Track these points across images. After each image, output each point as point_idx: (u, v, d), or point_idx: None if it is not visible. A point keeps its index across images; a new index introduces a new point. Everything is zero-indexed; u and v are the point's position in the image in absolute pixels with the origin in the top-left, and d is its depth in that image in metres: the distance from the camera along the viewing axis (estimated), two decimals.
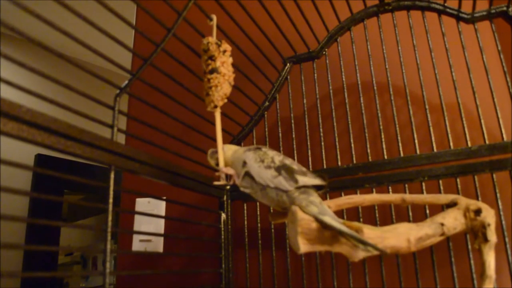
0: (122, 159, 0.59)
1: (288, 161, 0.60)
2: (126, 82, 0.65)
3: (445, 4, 0.85)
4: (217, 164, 0.65)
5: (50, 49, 0.49)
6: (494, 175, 0.74)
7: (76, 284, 3.35)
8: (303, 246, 0.55)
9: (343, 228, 0.53)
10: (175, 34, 0.69)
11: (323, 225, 0.55)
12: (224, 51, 0.65)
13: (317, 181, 0.58)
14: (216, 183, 0.63)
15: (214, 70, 0.63)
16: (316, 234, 0.55)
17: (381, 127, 0.85)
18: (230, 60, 0.66)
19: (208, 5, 0.73)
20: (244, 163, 0.61)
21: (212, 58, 0.64)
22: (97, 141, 0.54)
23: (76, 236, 3.64)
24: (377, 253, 0.55)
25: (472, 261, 0.72)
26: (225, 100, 0.66)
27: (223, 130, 0.86)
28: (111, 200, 0.57)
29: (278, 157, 0.60)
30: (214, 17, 0.68)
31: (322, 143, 0.89)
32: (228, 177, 0.64)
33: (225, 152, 0.66)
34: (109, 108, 0.62)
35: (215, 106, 0.65)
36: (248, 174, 0.61)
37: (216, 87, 0.63)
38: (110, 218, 0.56)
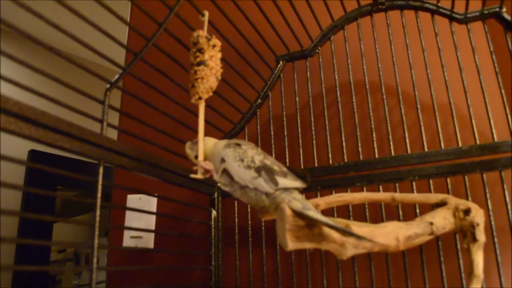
0: (111, 154, 0.59)
1: (269, 161, 0.58)
2: (117, 76, 0.65)
3: (438, 4, 0.85)
4: (196, 157, 0.64)
5: (39, 41, 0.49)
6: (485, 175, 0.74)
7: (68, 281, 3.33)
8: (291, 243, 0.54)
9: (329, 221, 0.52)
10: (167, 29, 0.68)
11: (308, 220, 0.54)
12: (214, 46, 0.65)
13: (298, 184, 0.57)
14: (192, 176, 0.62)
15: (201, 63, 0.63)
16: (305, 231, 0.55)
17: (373, 126, 0.85)
18: (219, 55, 0.65)
19: (200, 1, 0.72)
20: (223, 160, 0.60)
21: (200, 50, 0.63)
22: (86, 135, 0.54)
23: (69, 233, 3.62)
24: (365, 251, 0.55)
25: (461, 261, 0.72)
26: (210, 94, 0.65)
27: (215, 126, 0.86)
28: (99, 195, 0.56)
29: (258, 157, 0.59)
30: (206, 13, 0.68)
31: (314, 142, 0.89)
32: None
33: (205, 144, 0.65)
34: (99, 102, 0.62)
35: (200, 98, 0.64)
36: (226, 172, 0.59)
37: (202, 79, 0.63)
38: (98, 213, 0.56)
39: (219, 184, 0.61)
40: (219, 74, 0.65)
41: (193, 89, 0.64)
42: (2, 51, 0.45)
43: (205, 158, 0.64)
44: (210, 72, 0.63)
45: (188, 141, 0.67)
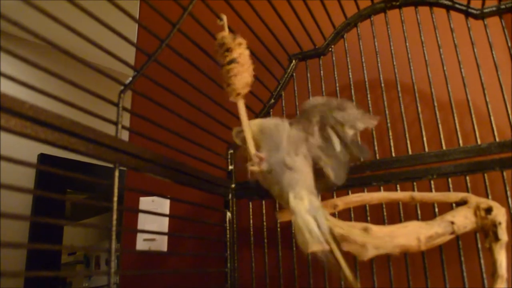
0: (126, 157, 0.58)
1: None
2: (130, 78, 0.64)
3: (454, 0, 0.84)
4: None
5: (53, 44, 0.48)
6: (504, 173, 0.73)
7: (79, 283, 3.35)
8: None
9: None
10: (180, 29, 0.68)
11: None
12: (240, 44, 0.64)
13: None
14: (252, 169, 0.62)
15: (232, 61, 0.63)
16: None
17: (389, 125, 0.83)
18: (247, 52, 0.65)
19: (214, 1, 0.71)
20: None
21: (228, 50, 0.63)
22: (101, 138, 0.53)
23: (79, 236, 3.64)
24: (386, 251, 0.54)
25: (482, 260, 0.71)
26: (248, 89, 0.65)
27: (227, 127, 0.85)
28: (115, 198, 0.56)
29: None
30: (224, 17, 0.68)
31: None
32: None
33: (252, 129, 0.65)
34: (113, 104, 0.61)
35: (238, 94, 0.64)
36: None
37: (236, 76, 0.63)
38: (115, 216, 0.55)
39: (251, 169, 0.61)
40: (251, 69, 0.65)
41: (229, 88, 0.64)
42: (17, 54, 0.44)
43: (255, 141, 0.64)
44: (243, 68, 0.63)
45: (235, 128, 0.68)
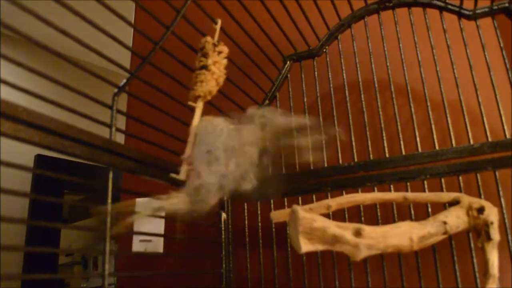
0: (121, 159, 0.59)
1: None
2: (125, 81, 0.65)
3: (447, 1, 0.84)
4: None
5: (47, 47, 0.49)
6: (497, 173, 0.73)
7: (77, 284, 3.34)
8: (305, 246, 0.54)
9: None
10: (174, 32, 0.68)
11: None
12: (220, 52, 0.65)
13: None
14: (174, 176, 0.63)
15: (203, 67, 0.63)
16: (318, 233, 0.54)
17: (382, 125, 0.84)
18: (224, 61, 0.65)
19: (207, 3, 0.72)
20: None
21: (205, 55, 0.64)
22: (96, 141, 0.53)
23: (77, 235, 3.63)
24: (378, 252, 0.55)
25: (475, 260, 0.71)
26: (208, 98, 0.66)
27: None
28: (109, 201, 0.56)
29: None
30: (219, 21, 0.68)
31: (323, 141, 0.88)
32: None
33: None
34: (107, 107, 0.61)
35: (196, 100, 0.65)
36: None
37: (202, 82, 0.63)
38: (109, 219, 0.55)
39: None
40: (221, 80, 0.65)
41: (191, 92, 0.65)
42: (10, 57, 0.44)
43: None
44: (211, 76, 0.64)
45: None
